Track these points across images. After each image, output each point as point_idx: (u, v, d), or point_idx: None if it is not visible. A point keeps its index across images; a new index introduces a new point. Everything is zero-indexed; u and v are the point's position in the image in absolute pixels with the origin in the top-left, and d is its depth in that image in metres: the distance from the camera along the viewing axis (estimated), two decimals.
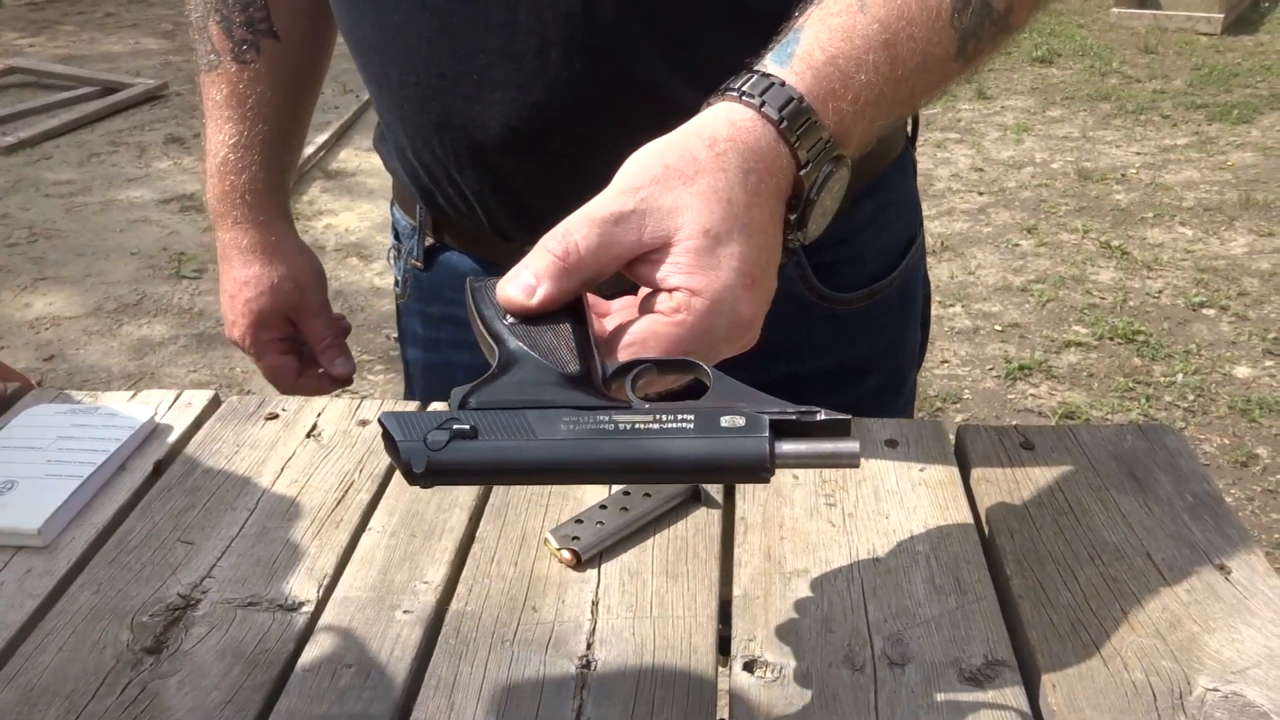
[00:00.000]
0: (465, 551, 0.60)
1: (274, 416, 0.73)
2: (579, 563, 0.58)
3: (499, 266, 0.49)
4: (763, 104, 0.48)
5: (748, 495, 0.63)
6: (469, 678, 0.51)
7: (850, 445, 0.41)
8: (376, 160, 3.47)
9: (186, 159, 4.24)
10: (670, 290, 0.46)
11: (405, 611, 0.55)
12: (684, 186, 0.47)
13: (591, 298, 0.50)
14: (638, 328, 0.46)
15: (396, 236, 0.86)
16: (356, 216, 3.68)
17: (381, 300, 3.11)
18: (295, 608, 0.56)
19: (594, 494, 0.63)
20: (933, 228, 3.35)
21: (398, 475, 0.66)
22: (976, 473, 0.65)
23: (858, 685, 0.50)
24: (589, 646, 0.53)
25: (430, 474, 0.41)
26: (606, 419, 0.41)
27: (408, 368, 0.92)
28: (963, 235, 3.37)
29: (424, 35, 0.65)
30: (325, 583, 0.58)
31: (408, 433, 0.41)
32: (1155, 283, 3.05)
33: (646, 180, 0.47)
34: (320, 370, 0.91)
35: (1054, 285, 3.05)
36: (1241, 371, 2.63)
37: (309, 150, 4.12)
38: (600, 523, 0.60)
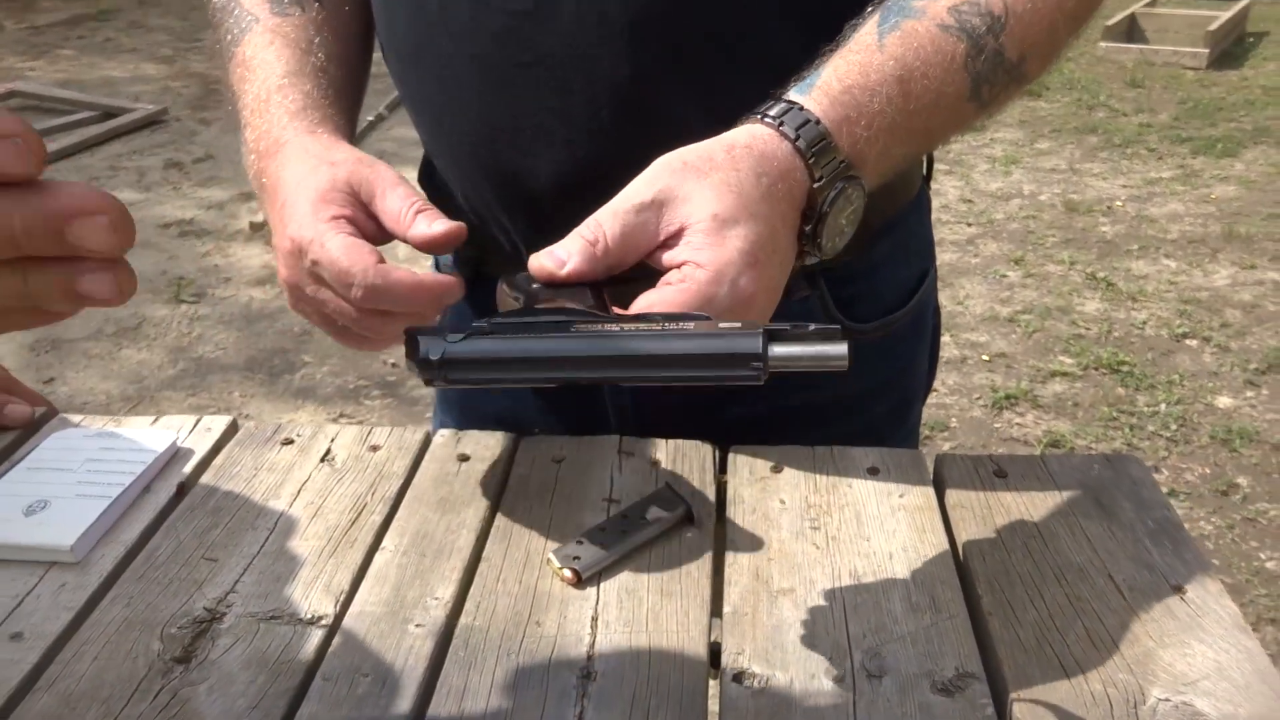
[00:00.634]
0: (473, 570, 0.64)
1: (289, 441, 0.77)
2: (579, 581, 0.62)
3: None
4: (781, 124, 0.55)
5: (738, 518, 0.67)
6: (478, 686, 0.55)
7: (839, 348, 0.44)
8: None
9: (185, 184, 4.29)
10: (679, 265, 0.52)
11: (417, 625, 0.59)
12: (698, 179, 0.53)
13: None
14: (645, 296, 0.52)
15: (436, 267, 0.89)
16: None
17: None
18: (314, 621, 0.60)
19: (594, 517, 0.67)
20: None
21: (408, 498, 0.70)
22: (952, 498, 0.69)
23: (838, 695, 0.54)
24: (589, 658, 0.57)
25: (446, 363, 0.45)
26: (614, 325, 0.46)
27: (440, 412, 0.94)
28: (951, 266, 3.42)
29: (480, 92, 0.69)
30: (342, 598, 0.62)
31: (429, 335, 0.45)
32: (1140, 314, 3.11)
33: (665, 174, 0.54)
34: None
35: (1040, 316, 3.10)
36: (1223, 402, 2.69)
37: None
38: (601, 544, 0.64)
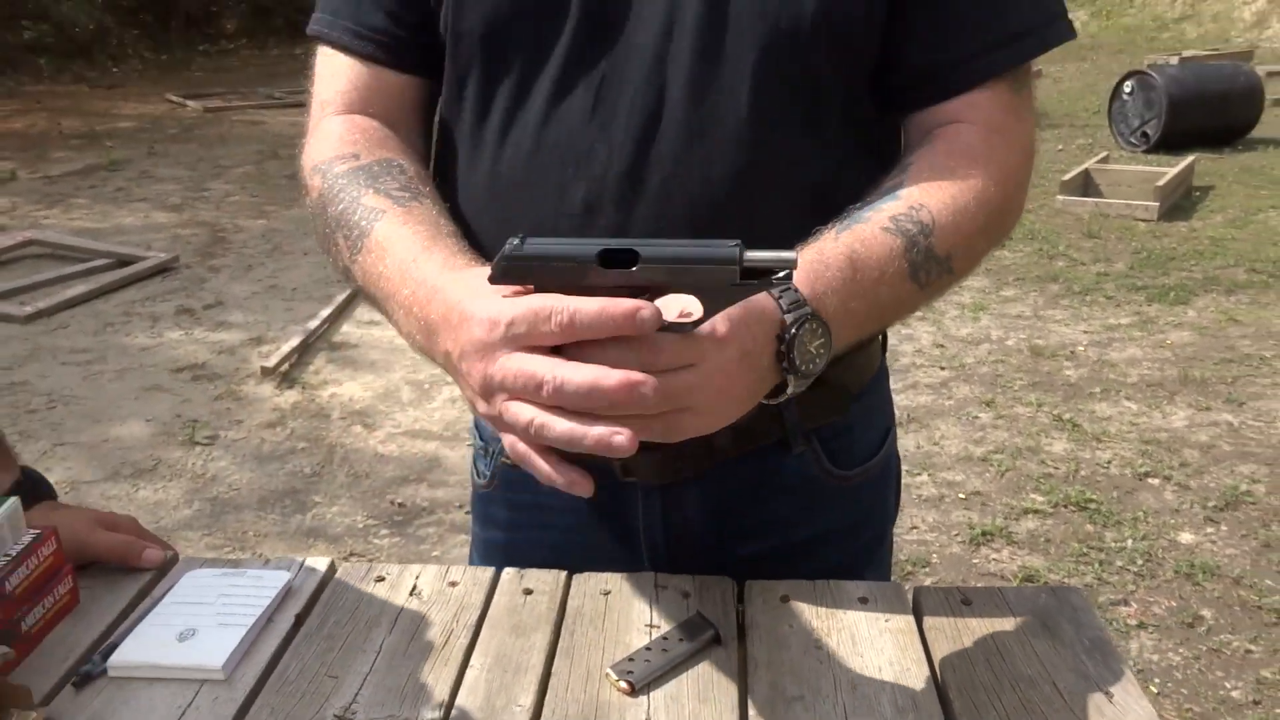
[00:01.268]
0: (545, 683, 0.80)
1: (381, 579, 0.93)
2: (634, 691, 0.78)
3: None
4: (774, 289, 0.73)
5: (755, 639, 0.84)
6: None
7: (790, 254, 0.64)
8: (377, 333, 3.82)
9: (197, 329, 4.49)
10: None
11: None
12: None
13: None
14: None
15: (482, 438, 1.06)
16: (360, 386, 3.91)
17: (385, 466, 3.31)
18: None
19: (639, 639, 0.83)
20: (900, 400, 3.62)
21: (486, 625, 0.86)
22: (928, 623, 0.86)
23: None
24: None
25: (507, 259, 0.65)
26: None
27: (484, 547, 1.09)
28: (927, 408, 3.64)
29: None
30: (444, 706, 0.77)
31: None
32: (1104, 453, 3.31)
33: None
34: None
35: (1012, 455, 3.30)
36: (1185, 537, 2.86)
37: (313, 324, 4.39)
38: (648, 660, 0.80)
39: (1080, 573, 2.70)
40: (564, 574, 0.93)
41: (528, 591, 0.91)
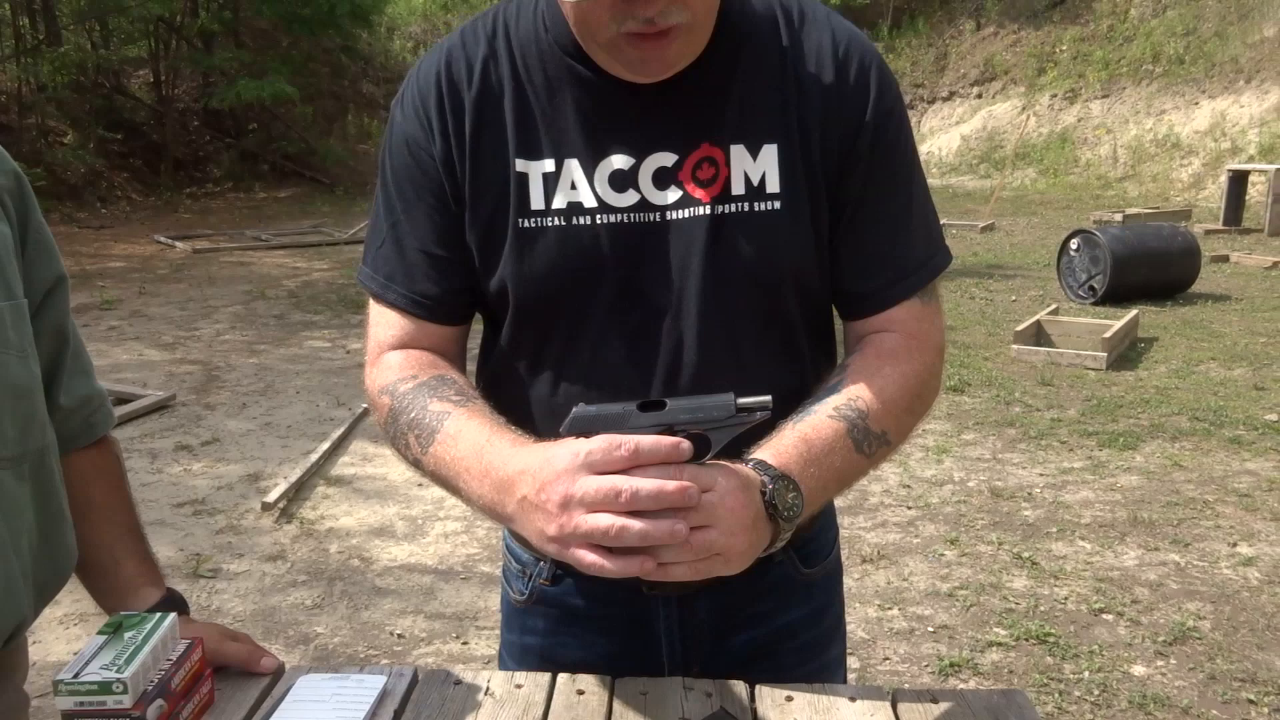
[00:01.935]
0: None
1: (458, 682, 1.13)
2: None
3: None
4: (749, 462, 0.99)
5: None
6: None
7: (766, 398, 0.92)
8: (371, 468, 4.11)
9: (195, 464, 4.66)
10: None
11: None
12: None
13: None
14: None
15: (518, 561, 1.29)
16: (356, 521, 4.08)
17: (384, 599, 3.46)
18: None
19: None
20: (870, 538, 3.84)
21: (550, 718, 1.07)
22: (904, 712, 1.07)
23: None
24: None
25: (575, 417, 0.92)
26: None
27: (519, 651, 1.30)
28: (896, 545, 3.86)
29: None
30: None
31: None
32: (1061, 590, 3.53)
33: None
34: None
35: (975, 591, 3.51)
36: (1138, 670, 3.06)
37: (313, 457, 4.58)
38: None
39: (1042, 702, 2.88)
40: (609, 677, 1.14)
41: (580, 692, 1.11)
